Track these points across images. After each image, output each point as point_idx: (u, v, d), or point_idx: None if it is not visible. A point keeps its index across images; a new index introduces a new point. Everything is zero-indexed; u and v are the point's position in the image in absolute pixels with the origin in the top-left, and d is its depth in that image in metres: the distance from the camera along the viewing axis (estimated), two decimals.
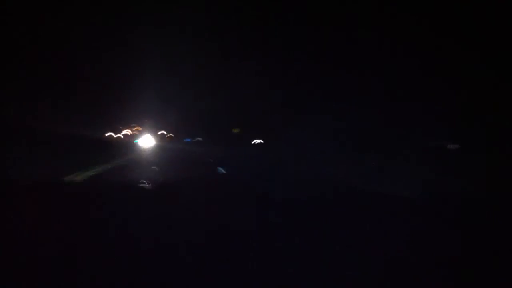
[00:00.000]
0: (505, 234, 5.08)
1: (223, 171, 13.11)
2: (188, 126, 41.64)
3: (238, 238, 4.63)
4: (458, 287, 3.43)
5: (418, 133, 19.01)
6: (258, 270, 3.66)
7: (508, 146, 15.36)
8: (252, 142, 33.87)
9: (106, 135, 33.41)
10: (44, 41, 27.09)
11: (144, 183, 8.34)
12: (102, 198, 7.01)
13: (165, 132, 38.50)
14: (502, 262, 4.01)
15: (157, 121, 35.59)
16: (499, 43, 17.86)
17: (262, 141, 33.24)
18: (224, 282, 3.36)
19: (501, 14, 17.55)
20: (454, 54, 18.71)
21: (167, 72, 33.65)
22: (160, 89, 33.86)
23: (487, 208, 6.90)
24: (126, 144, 32.31)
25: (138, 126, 35.63)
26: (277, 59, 32.10)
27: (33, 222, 5.14)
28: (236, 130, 34.93)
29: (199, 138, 44.94)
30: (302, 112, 28.85)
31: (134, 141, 34.22)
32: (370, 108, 21.88)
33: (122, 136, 34.55)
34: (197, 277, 3.41)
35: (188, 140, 42.13)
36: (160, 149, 29.36)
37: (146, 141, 32.75)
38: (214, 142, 32.87)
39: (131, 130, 35.85)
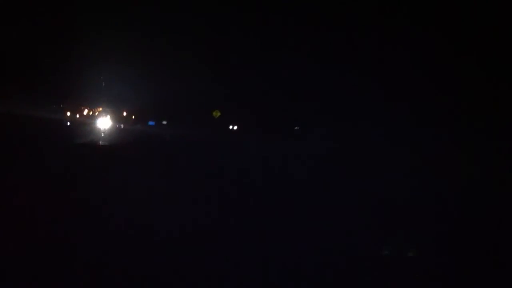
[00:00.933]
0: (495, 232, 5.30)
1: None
2: (156, 108, 39.64)
3: None
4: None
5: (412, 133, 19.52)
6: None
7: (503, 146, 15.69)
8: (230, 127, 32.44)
9: (67, 114, 32.26)
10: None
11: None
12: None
13: (125, 113, 37.42)
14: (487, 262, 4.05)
15: (121, 101, 34.54)
16: (497, 44, 18.28)
17: (236, 127, 32.13)
18: None
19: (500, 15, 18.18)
20: (449, 54, 19.43)
21: (132, 51, 32.40)
22: (127, 68, 32.63)
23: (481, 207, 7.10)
24: (86, 124, 31.35)
25: (100, 107, 34.49)
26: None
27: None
28: (217, 114, 31.17)
29: (164, 122, 42.95)
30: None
31: (94, 122, 33.27)
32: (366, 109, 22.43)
33: (78, 116, 33.46)
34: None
35: (152, 123, 40.04)
36: (116, 133, 28.58)
37: (103, 123, 31.87)
38: (184, 126, 31.60)
39: (91, 111, 34.70)
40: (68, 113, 33.17)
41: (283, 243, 4.07)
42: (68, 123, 30.94)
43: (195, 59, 29.90)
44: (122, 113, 35.99)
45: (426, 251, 4.19)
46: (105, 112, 33.04)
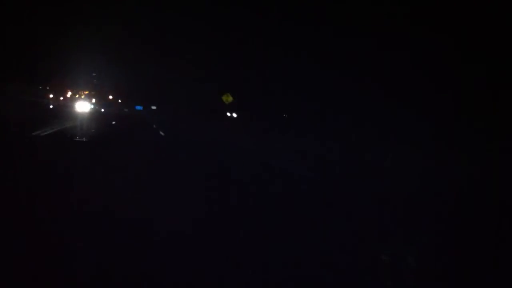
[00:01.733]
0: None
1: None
2: (146, 92, 36.09)
3: None
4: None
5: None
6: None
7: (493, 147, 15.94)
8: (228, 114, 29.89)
9: (50, 96, 28.99)
10: None
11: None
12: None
13: (111, 97, 34.68)
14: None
15: (107, 84, 31.74)
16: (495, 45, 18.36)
17: (235, 115, 30.19)
18: None
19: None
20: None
21: (124, 32, 29.53)
22: (117, 50, 29.51)
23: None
24: (66, 107, 29.25)
25: (85, 89, 31.53)
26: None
27: None
28: (228, 98, 26.58)
29: (153, 107, 38.58)
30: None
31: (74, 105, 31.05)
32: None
33: (62, 99, 30.48)
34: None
35: (140, 108, 35.90)
36: (97, 118, 27.11)
37: (83, 106, 30.09)
38: (176, 112, 29.06)
39: (76, 93, 31.69)
40: (52, 95, 29.98)
41: (282, 243, 4.02)
42: (51, 106, 28.24)
43: (193, 43, 28.63)
44: (108, 96, 33.34)
45: (425, 252, 4.21)
46: (90, 95, 30.41)
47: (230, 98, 26.52)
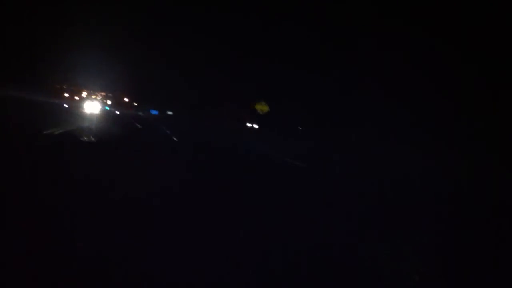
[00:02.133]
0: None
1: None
2: (163, 97, 36.95)
3: None
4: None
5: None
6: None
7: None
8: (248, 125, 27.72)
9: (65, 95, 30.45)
10: None
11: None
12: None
13: (126, 100, 35.81)
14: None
15: (124, 87, 33.01)
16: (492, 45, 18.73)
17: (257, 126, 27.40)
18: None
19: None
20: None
21: (143, 35, 30.55)
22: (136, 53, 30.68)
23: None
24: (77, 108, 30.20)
25: (101, 90, 32.94)
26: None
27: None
28: (263, 108, 23.74)
29: (169, 112, 39.10)
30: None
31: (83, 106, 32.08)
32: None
33: (77, 99, 31.78)
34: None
35: (155, 112, 36.92)
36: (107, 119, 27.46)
37: (92, 107, 30.81)
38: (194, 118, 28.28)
39: (92, 94, 33.07)
40: (67, 94, 31.45)
41: (279, 243, 3.94)
42: (66, 105, 29.53)
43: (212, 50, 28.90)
44: (123, 98, 34.63)
45: (425, 252, 4.20)
46: (105, 97, 31.73)
47: (266, 108, 24.11)
